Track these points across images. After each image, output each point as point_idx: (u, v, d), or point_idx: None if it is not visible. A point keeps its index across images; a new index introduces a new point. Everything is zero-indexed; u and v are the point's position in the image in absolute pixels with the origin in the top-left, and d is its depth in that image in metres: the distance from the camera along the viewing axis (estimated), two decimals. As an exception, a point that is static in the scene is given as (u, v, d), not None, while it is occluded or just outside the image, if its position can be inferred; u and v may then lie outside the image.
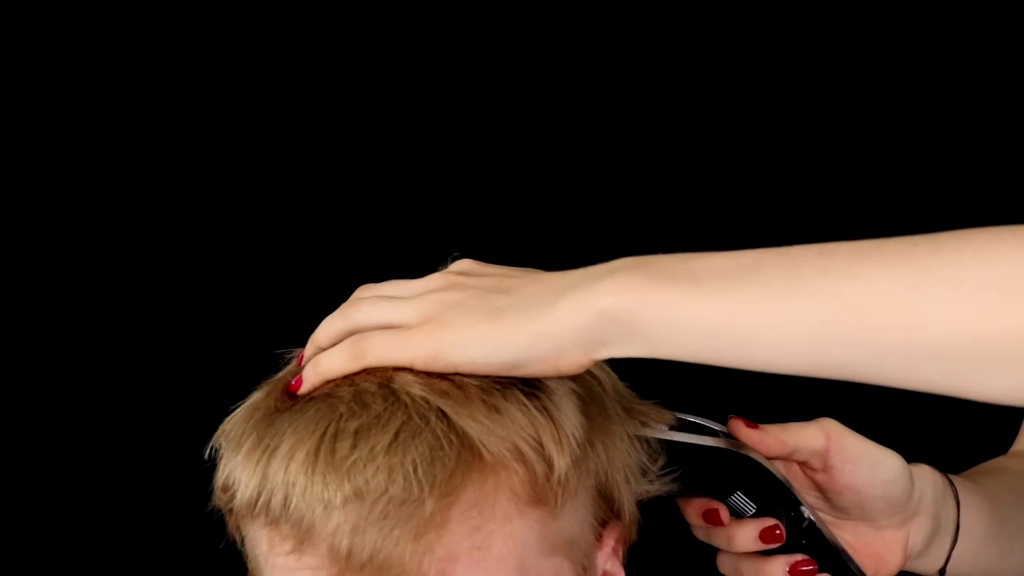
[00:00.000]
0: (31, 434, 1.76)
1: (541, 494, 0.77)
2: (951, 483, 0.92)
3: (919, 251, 0.70)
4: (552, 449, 0.77)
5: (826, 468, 0.86)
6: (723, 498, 0.85)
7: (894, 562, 0.90)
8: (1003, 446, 1.06)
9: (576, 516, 0.80)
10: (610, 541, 0.84)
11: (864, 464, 0.86)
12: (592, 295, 0.73)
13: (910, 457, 0.88)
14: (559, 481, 0.77)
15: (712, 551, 0.90)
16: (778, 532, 0.85)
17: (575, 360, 0.75)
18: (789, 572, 0.86)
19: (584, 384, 0.81)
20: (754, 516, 0.85)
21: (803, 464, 0.87)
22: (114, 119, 1.76)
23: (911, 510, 0.88)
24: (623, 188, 1.78)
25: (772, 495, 0.85)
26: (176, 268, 1.77)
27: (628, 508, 0.84)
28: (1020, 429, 1.05)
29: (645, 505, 0.86)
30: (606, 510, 0.83)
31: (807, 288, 0.71)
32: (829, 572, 0.86)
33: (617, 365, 0.83)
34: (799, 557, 0.86)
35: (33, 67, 1.74)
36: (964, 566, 0.93)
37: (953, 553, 0.92)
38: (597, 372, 0.84)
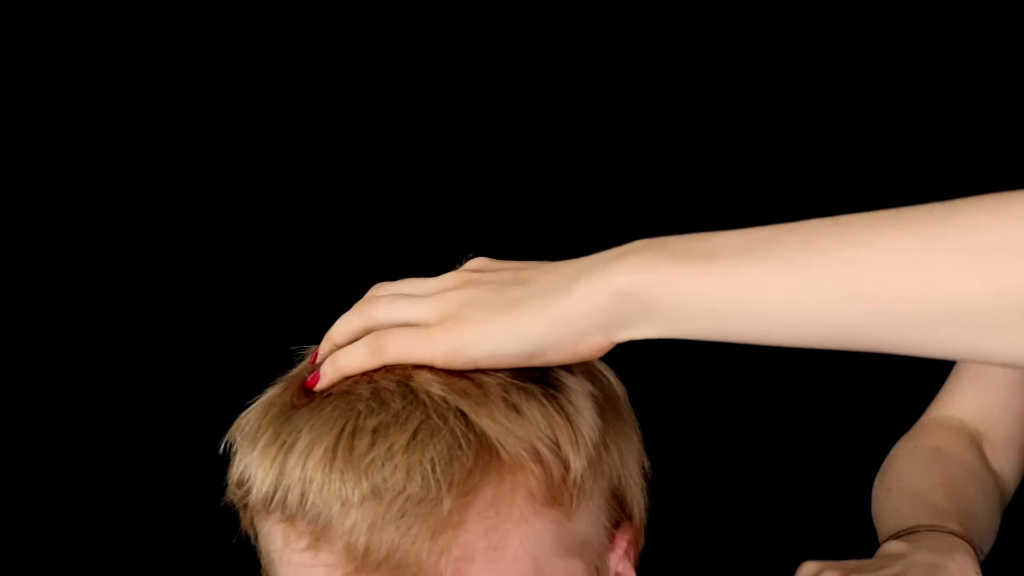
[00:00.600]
0: (44, 429, 1.75)
1: (557, 495, 0.77)
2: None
3: (933, 216, 0.69)
4: (569, 450, 0.77)
5: None
6: None
7: None
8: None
9: (590, 517, 0.80)
10: (622, 543, 0.84)
11: None
12: (607, 276, 0.73)
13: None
14: (575, 482, 0.77)
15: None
16: None
17: (595, 343, 0.75)
18: None
19: (601, 386, 0.82)
20: None
21: None
22: (124, 119, 1.76)
23: None
24: (631, 185, 1.78)
25: None
26: (192, 265, 1.77)
27: (639, 510, 0.85)
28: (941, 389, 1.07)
29: (653, 508, 0.87)
30: (619, 511, 0.83)
31: (823, 257, 0.70)
32: None
33: (631, 366, 0.83)
34: None
35: (33, 67, 1.74)
36: None
37: None
38: (612, 380, 0.84)
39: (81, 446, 1.75)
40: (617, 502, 0.82)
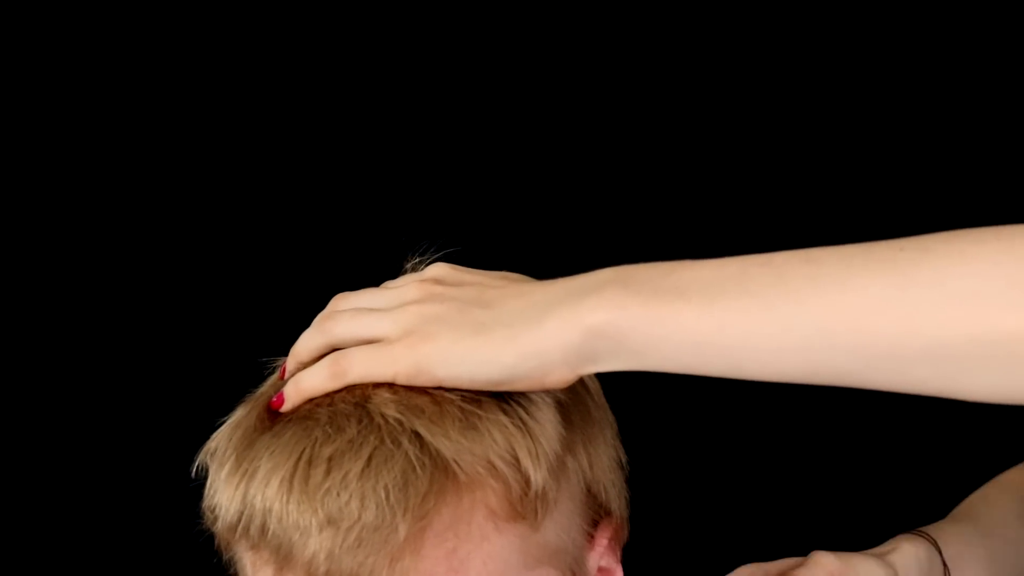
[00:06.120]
0: (23, 445, 1.76)
1: (519, 509, 0.76)
2: (942, 559, 0.93)
3: (905, 256, 0.70)
4: (528, 463, 0.76)
5: None
6: None
7: None
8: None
9: (560, 524, 0.79)
10: (603, 540, 0.83)
11: None
12: (578, 313, 0.73)
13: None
14: (537, 495, 0.76)
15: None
16: None
17: (561, 376, 0.75)
18: None
19: (568, 387, 0.81)
20: None
21: None
22: (87, 134, 1.74)
23: None
24: (597, 183, 1.75)
25: None
26: (165, 272, 1.75)
27: (618, 504, 0.84)
28: None
29: (643, 503, 0.86)
30: (595, 510, 0.82)
31: (797, 297, 0.70)
32: None
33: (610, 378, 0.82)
34: None
35: (33, 67, 1.73)
36: None
37: None
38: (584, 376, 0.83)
39: (63, 459, 1.74)
40: (593, 502, 0.82)
